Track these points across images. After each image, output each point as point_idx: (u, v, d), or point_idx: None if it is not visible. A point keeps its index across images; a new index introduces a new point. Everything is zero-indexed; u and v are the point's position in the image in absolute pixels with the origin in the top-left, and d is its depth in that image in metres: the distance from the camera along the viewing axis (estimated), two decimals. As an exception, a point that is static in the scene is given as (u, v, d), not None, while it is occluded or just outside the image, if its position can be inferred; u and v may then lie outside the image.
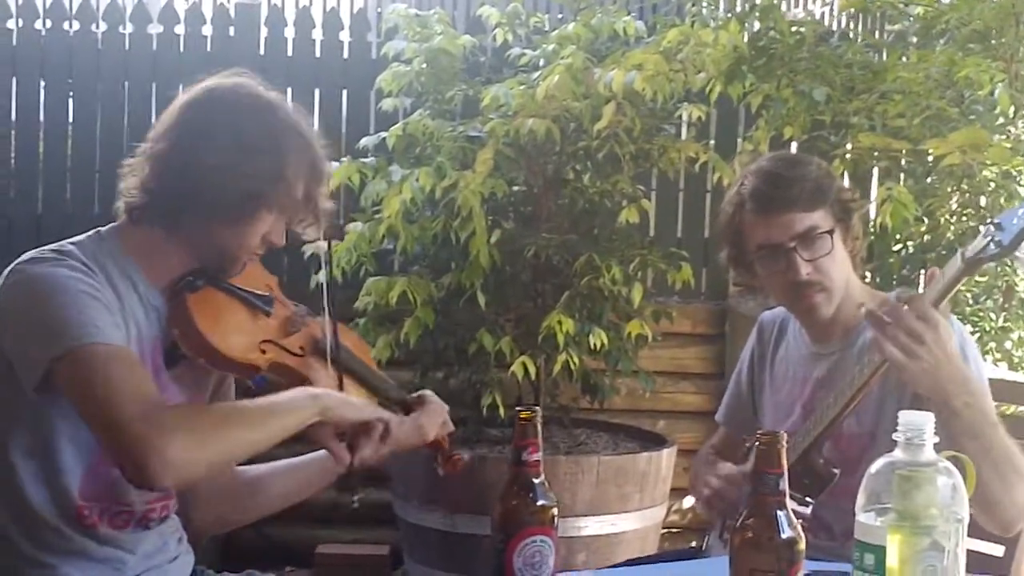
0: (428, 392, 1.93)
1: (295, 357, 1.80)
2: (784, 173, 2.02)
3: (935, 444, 1.26)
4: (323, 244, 1.88)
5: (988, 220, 1.72)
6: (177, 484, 1.64)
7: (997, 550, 2.04)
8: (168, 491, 1.79)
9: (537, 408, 1.40)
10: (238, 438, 1.63)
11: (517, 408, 1.41)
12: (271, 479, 1.97)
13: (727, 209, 2.08)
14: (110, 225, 1.78)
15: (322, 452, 1.87)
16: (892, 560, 1.21)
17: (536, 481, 1.40)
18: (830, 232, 1.98)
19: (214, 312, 1.74)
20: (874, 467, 1.27)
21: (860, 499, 1.27)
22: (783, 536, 1.29)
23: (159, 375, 1.74)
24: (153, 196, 1.72)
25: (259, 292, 1.81)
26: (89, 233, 1.76)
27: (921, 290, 1.90)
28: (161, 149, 1.72)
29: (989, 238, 1.66)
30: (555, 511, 1.42)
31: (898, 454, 1.25)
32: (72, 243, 1.72)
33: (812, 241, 1.97)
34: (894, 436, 1.26)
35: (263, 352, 1.76)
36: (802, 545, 1.30)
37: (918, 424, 1.24)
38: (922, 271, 3.55)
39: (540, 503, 1.40)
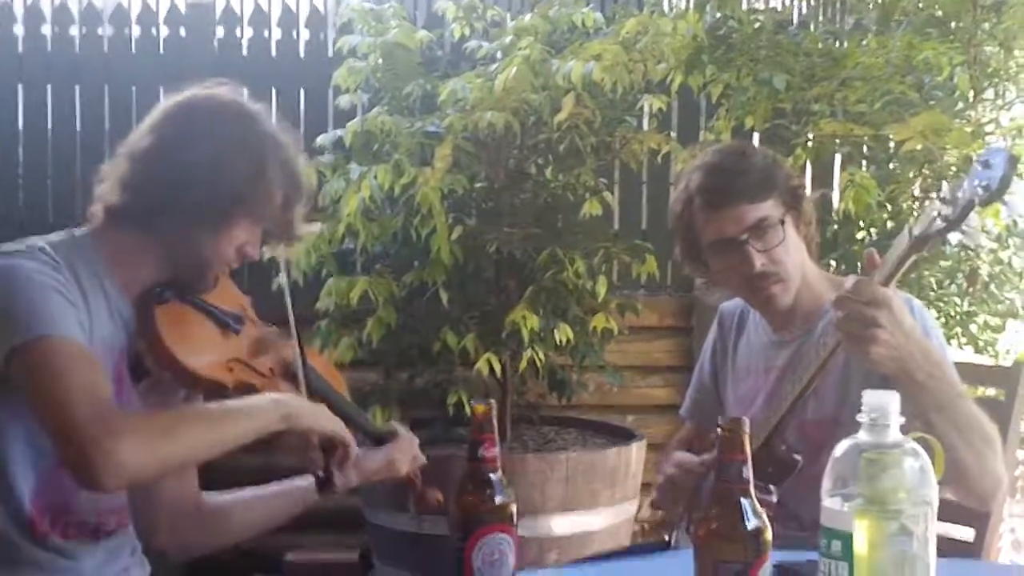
0: (399, 425, 1.93)
1: (263, 378, 1.77)
2: (729, 166, 2.00)
3: (903, 423, 1.22)
4: (283, 258, 1.87)
5: (935, 196, 1.69)
6: (124, 487, 1.60)
7: (968, 534, 2.03)
8: (122, 505, 1.76)
9: (492, 401, 1.36)
10: (192, 441, 1.58)
11: (472, 402, 1.36)
12: (237, 508, 1.94)
13: (676, 207, 2.05)
14: (84, 227, 1.75)
15: (290, 484, 1.88)
16: (860, 546, 1.17)
17: (494, 477, 1.36)
18: (781, 221, 1.96)
19: (181, 326, 1.71)
20: (839, 450, 1.23)
21: (825, 484, 1.23)
22: (748, 526, 1.25)
23: (124, 388, 1.70)
24: (133, 194, 1.70)
25: (229, 309, 1.78)
26: (61, 233, 1.72)
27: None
28: (143, 147, 1.71)
29: (936, 213, 1.63)
30: (514, 507, 1.38)
31: (863, 436, 1.21)
32: (44, 240, 1.68)
33: (764, 232, 1.95)
34: (858, 417, 1.22)
35: (230, 370, 1.73)
36: (768, 535, 1.26)
37: (883, 405, 1.20)
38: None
39: (498, 500, 1.36)
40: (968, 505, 1.80)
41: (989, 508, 1.89)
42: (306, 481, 1.87)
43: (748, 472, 1.26)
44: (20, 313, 1.55)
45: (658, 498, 2.05)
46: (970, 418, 1.73)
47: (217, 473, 1.96)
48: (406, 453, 1.88)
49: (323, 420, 1.70)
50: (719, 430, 1.26)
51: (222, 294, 1.79)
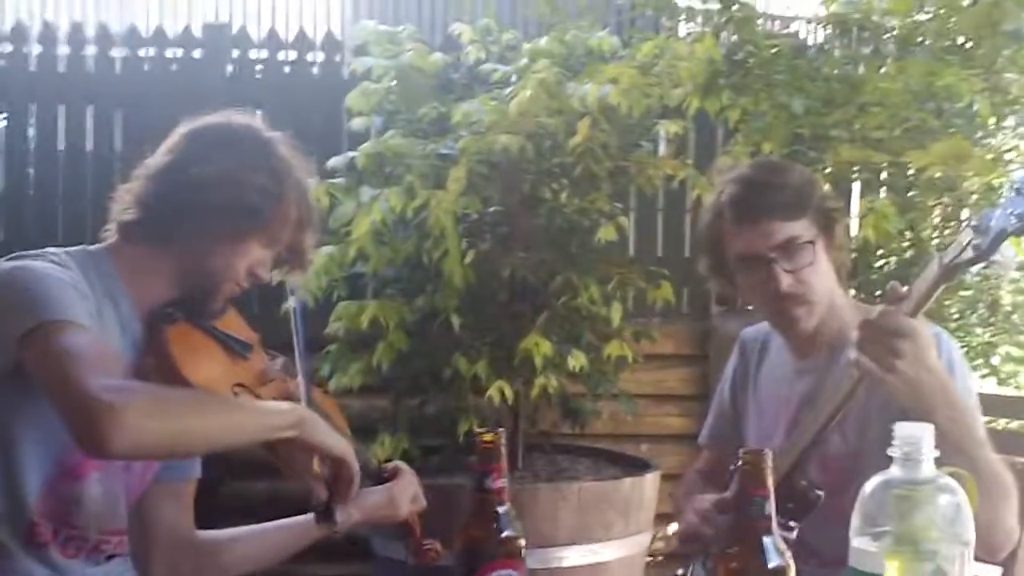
0: (402, 463, 1.90)
1: None
2: (765, 180, 1.95)
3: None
4: (293, 297, 1.91)
5: (965, 223, 1.64)
6: (132, 453, 1.55)
7: (994, 572, 1.96)
8: (122, 527, 1.73)
9: (501, 430, 1.30)
10: (203, 422, 1.56)
11: (478, 431, 1.30)
12: (236, 542, 1.91)
13: (706, 217, 2.00)
14: (99, 245, 1.77)
15: (291, 520, 1.86)
16: (890, 588, 1.10)
17: (501, 510, 1.30)
18: (812, 242, 1.90)
19: (190, 346, 1.72)
20: (868, 486, 1.16)
21: (854, 522, 1.16)
22: (771, 565, 1.19)
23: None
24: (149, 210, 1.73)
25: (238, 337, 1.79)
26: (77, 247, 1.74)
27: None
28: (160, 166, 1.75)
29: (968, 241, 1.57)
30: (522, 542, 1.32)
31: (894, 471, 1.14)
32: (59, 250, 1.70)
33: (793, 251, 1.89)
34: (889, 451, 1.15)
35: (236, 395, 1.71)
36: (792, 574, 1.20)
37: (915, 437, 1.13)
38: (905, 288, 3.48)
39: (505, 534, 1.30)
40: (978, 555, 1.73)
41: (997, 560, 1.81)
42: (308, 517, 1.82)
43: (771, 508, 1.19)
44: (33, 301, 1.56)
45: (681, 545, 1.98)
46: (989, 469, 1.66)
47: (224, 499, 1.92)
48: (406, 491, 1.84)
49: (332, 439, 1.65)
50: (739, 463, 1.20)
51: (232, 324, 1.80)
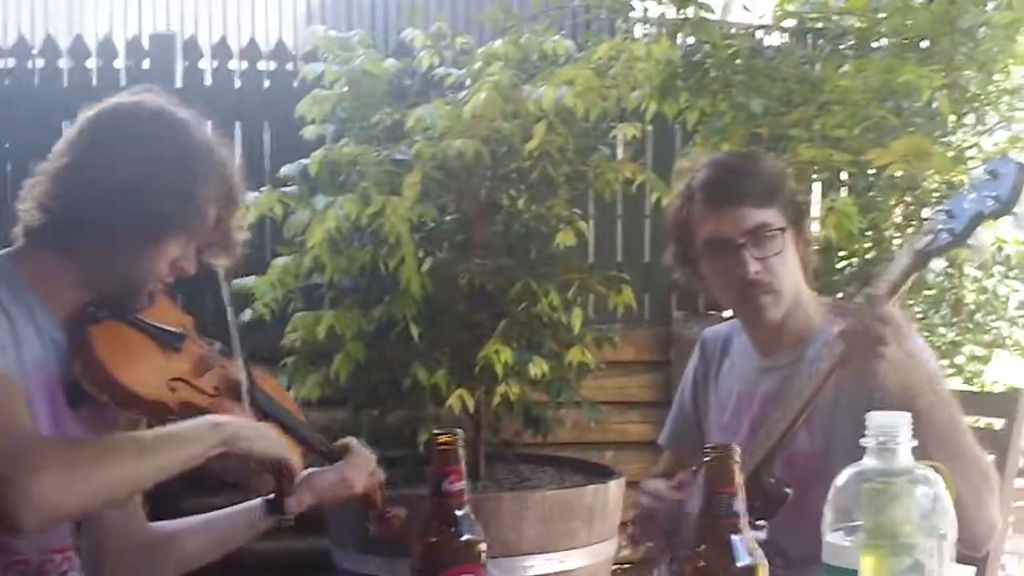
0: (353, 440, 1.83)
1: (208, 397, 1.67)
2: (737, 166, 1.94)
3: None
4: (218, 269, 1.76)
5: (936, 208, 1.61)
6: (43, 527, 1.49)
7: (968, 572, 1.93)
8: (66, 545, 1.65)
9: (459, 431, 1.25)
10: (120, 472, 1.50)
11: (435, 432, 1.25)
12: (188, 534, 1.84)
13: (676, 202, 1.97)
14: (6, 250, 1.66)
15: (244, 505, 1.78)
16: (866, 585, 1.06)
17: (459, 513, 1.24)
18: (782, 230, 1.87)
19: (119, 345, 1.62)
20: (841, 478, 1.12)
21: (827, 516, 1.12)
22: (739, 564, 1.13)
23: (60, 415, 1.60)
24: (50, 215, 1.61)
25: (168, 328, 1.69)
26: None
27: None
28: (61, 165, 1.61)
29: (940, 226, 1.54)
30: (483, 546, 1.26)
31: (868, 462, 1.10)
32: None
33: (763, 239, 1.86)
34: (863, 441, 1.11)
35: (172, 390, 1.63)
36: (762, 573, 1.15)
37: (890, 426, 1.09)
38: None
39: (465, 538, 1.24)
40: (960, 550, 1.69)
41: (981, 553, 1.78)
42: (257, 503, 1.77)
43: (739, 505, 1.14)
44: None
45: (637, 532, 1.94)
46: (971, 456, 1.65)
47: (184, 514, 1.86)
48: (361, 469, 1.77)
49: (264, 443, 1.61)
50: (706, 458, 1.15)
51: (161, 312, 1.70)
